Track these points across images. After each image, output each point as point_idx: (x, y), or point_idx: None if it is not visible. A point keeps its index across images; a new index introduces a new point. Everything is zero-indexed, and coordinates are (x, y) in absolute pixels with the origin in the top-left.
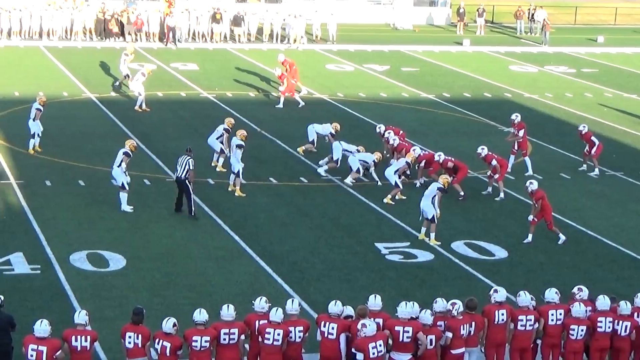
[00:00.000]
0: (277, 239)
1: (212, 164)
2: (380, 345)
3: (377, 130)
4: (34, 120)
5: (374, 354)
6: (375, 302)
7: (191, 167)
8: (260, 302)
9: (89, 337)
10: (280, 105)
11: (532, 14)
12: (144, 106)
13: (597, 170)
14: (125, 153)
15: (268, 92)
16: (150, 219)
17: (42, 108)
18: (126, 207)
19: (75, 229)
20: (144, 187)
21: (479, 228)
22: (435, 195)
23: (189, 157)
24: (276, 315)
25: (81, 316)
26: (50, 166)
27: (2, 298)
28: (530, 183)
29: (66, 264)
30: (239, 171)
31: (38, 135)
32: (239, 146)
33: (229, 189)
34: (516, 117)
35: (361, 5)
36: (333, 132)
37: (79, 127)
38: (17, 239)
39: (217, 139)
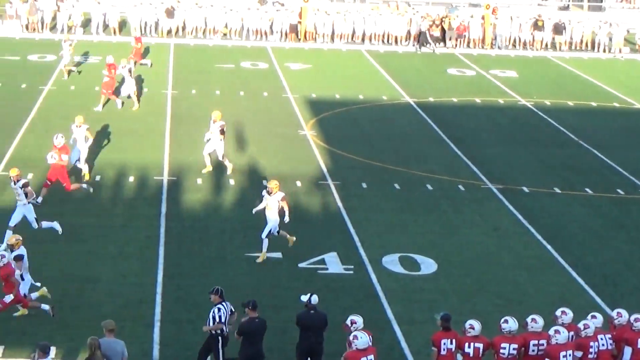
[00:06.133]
0: (590, 251)
1: None
2: (570, 356)
3: None
4: None
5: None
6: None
7: None
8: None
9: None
10: None
11: None
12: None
13: None
14: (24, 184)
15: (588, 102)
16: (462, 225)
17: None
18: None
19: (388, 231)
20: (458, 192)
21: None
22: None
23: None
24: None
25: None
26: (367, 168)
27: (317, 299)
28: None
29: (378, 266)
30: None
31: None
32: None
33: None
34: None
35: None
36: None
37: (396, 130)
38: (332, 239)
39: None
